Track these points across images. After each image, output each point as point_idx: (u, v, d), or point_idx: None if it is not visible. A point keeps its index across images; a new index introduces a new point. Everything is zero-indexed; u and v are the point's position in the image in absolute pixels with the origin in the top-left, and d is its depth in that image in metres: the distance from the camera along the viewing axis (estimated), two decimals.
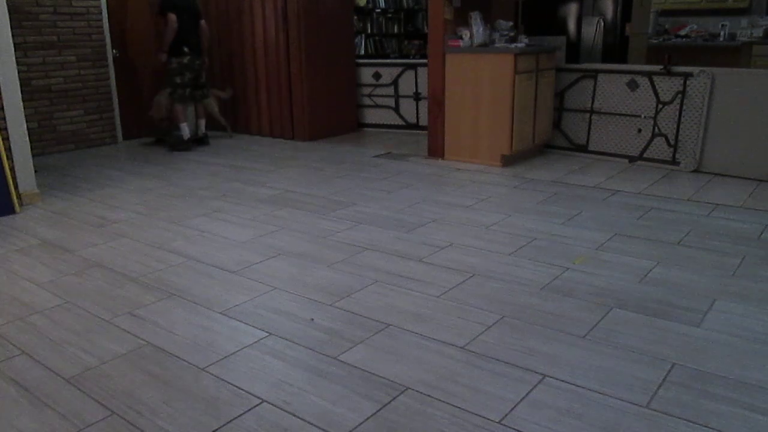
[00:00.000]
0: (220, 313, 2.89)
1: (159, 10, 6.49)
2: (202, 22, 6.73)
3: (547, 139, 6.07)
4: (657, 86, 5.41)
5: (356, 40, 8.41)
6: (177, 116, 6.69)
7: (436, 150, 6.04)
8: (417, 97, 7.38)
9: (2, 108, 4.48)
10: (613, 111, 5.73)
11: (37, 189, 4.84)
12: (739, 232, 3.83)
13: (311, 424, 2.06)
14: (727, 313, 2.78)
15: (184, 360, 2.48)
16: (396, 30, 9.23)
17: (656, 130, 5.49)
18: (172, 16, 6.31)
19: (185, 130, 6.72)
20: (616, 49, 7.33)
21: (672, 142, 5.42)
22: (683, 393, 2.19)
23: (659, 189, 4.84)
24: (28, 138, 4.75)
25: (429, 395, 2.21)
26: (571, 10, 7.27)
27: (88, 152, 6.78)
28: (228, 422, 2.08)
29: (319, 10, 7.00)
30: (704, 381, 2.26)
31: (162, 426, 2.07)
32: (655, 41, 8.47)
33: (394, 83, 7.51)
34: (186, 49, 6.46)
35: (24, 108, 4.74)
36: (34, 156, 4.95)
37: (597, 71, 5.80)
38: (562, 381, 2.27)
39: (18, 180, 4.61)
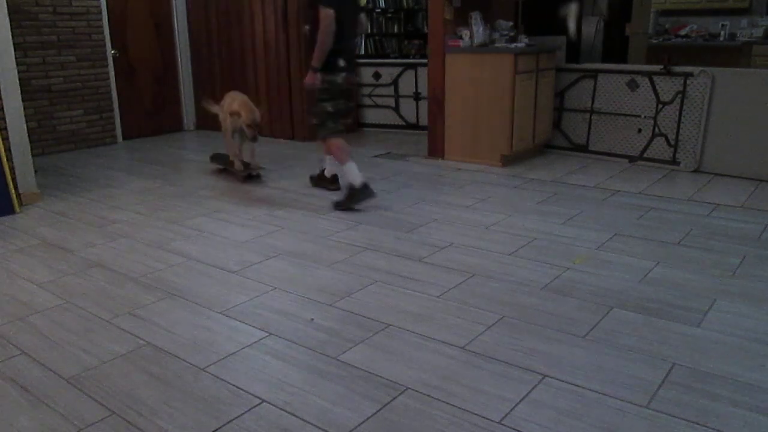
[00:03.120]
0: (220, 313, 2.89)
1: (309, 2, 4.70)
2: (362, 16, 4.79)
3: (547, 139, 6.07)
4: (657, 86, 5.41)
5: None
6: (336, 155, 4.52)
7: (436, 150, 6.04)
8: (417, 97, 7.38)
9: (2, 108, 4.48)
10: (613, 111, 5.72)
11: (37, 189, 4.84)
12: (739, 232, 3.83)
13: (311, 424, 2.06)
14: (727, 313, 2.78)
15: (184, 360, 2.48)
16: (396, 30, 9.21)
17: (656, 130, 5.49)
18: (330, 13, 4.08)
19: (354, 173, 4.39)
20: (616, 49, 7.33)
21: (672, 142, 5.42)
22: (683, 393, 2.19)
23: (659, 189, 4.84)
24: (28, 138, 4.75)
25: (429, 395, 2.21)
26: (571, 10, 7.27)
27: (88, 152, 6.78)
28: (228, 422, 2.08)
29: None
30: (704, 381, 2.26)
31: (162, 426, 2.07)
32: (655, 41, 8.46)
33: (394, 83, 7.50)
34: (342, 63, 4.28)
35: (24, 108, 4.74)
36: (34, 156, 4.94)
37: (597, 71, 5.79)
38: (562, 381, 2.27)
39: (18, 180, 4.61)
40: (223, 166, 5.60)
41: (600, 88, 5.76)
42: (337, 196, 4.62)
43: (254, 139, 5.06)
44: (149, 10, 7.46)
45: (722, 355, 2.42)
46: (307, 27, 4.52)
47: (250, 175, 5.33)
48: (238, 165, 5.31)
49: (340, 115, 4.47)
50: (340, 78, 4.34)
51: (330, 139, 4.48)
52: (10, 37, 4.56)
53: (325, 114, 4.43)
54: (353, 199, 4.40)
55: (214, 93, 7.82)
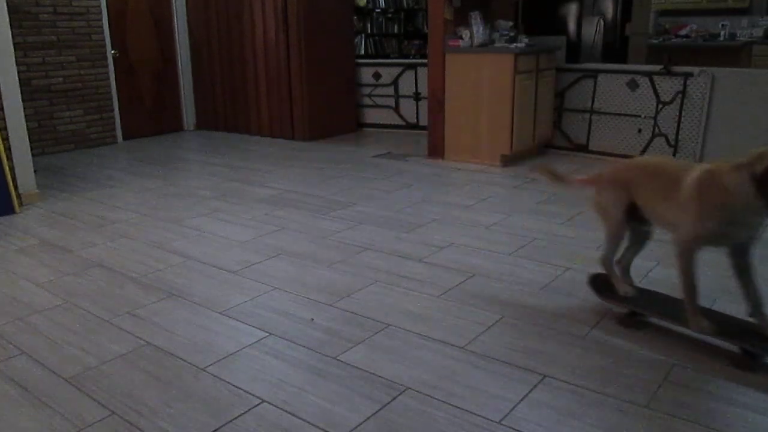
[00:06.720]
0: (220, 313, 2.89)
1: None
2: None
3: (547, 139, 6.07)
4: (657, 86, 5.41)
5: (356, 40, 8.40)
6: None
7: (436, 150, 6.04)
8: (417, 97, 7.38)
9: (2, 108, 4.48)
10: (613, 111, 5.72)
11: (37, 189, 4.84)
12: None
13: (311, 424, 2.06)
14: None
15: (184, 360, 2.48)
16: (396, 30, 9.22)
17: (656, 130, 5.49)
18: None
19: None
20: (616, 49, 7.33)
21: (672, 142, 5.42)
22: (683, 393, 2.19)
23: None
24: (28, 138, 4.75)
25: (429, 395, 2.21)
26: (571, 10, 7.27)
27: (88, 152, 6.78)
28: (228, 422, 2.08)
29: (319, 10, 7.00)
30: (704, 381, 2.25)
31: (162, 426, 2.07)
32: (655, 41, 8.47)
33: (394, 83, 7.51)
34: None
35: (24, 108, 4.75)
36: (34, 156, 4.95)
37: (597, 71, 5.79)
38: (562, 381, 2.27)
39: (18, 180, 4.61)
40: (647, 312, 2.70)
41: (600, 88, 5.76)
42: None
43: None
44: (149, 10, 7.46)
45: (722, 355, 2.42)
46: None
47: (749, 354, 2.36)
48: (704, 324, 2.42)
49: None
50: None
51: None
52: (10, 37, 4.56)
53: None
54: None
55: (215, 93, 7.85)
